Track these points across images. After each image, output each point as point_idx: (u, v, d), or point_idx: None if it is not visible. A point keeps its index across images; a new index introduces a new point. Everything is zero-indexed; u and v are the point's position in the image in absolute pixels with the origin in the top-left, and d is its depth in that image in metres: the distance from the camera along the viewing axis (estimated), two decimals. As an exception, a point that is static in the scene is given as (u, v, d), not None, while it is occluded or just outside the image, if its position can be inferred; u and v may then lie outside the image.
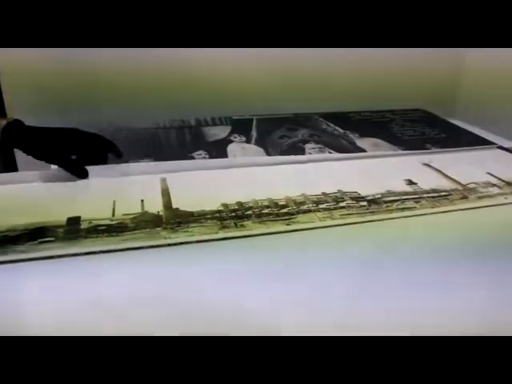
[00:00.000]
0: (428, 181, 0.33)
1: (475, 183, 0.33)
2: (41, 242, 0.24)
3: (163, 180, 0.33)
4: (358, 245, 0.25)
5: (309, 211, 0.28)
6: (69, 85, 0.46)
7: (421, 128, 0.46)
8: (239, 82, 0.51)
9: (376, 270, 0.23)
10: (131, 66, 0.47)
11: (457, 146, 0.41)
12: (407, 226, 0.27)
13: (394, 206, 0.29)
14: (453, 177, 0.34)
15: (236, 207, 0.29)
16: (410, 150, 0.40)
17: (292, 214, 0.28)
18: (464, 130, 0.46)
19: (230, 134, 0.44)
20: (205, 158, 0.38)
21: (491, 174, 0.34)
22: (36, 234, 0.25)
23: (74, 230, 0.26)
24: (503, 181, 0.33)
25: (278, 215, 0.28)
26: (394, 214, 0.28)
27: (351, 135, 0.44)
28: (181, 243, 0.24)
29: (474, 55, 0.52)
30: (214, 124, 0.47)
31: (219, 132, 0.44)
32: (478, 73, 0.52)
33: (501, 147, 0.41)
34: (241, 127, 0.46)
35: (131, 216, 0.27)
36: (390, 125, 0.47)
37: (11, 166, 0.46)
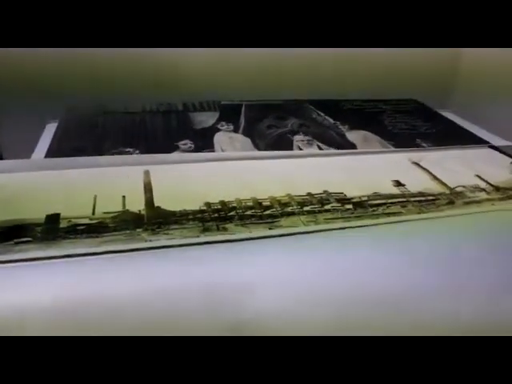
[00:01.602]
0: (416, 182, 0.33)
1: (463, 186, 0.33)
2: (17, 243, 0.24)
3: (146, 173, 0.32)
4: (340, 253, 0.25)
5: (293, 214, 0.28)
6: (54, 67, 0.44)
7: (413, 121, 0.46)
8: (230, 64, 0.49)
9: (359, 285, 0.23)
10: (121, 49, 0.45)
11: (447, 142, 0.40)
12: (392, 232, 0.27)
13: (380, 210, 0.29)
14: (441, 178, 0.34)
15: (219, 207, 0.28)
16: (400, 144, 0.40)
17: (275, 217, 0.27)
18: (456, 125, 0.46)
19: (218, 121, 0.43)
20: (190, 147, 0.37)
21: (480, 177, 0.34)
22: (12, 233, 0.24)
23: (52, 229, 0.25)
24: (491, 185, 0.33)
25: (261, 217, 0.27)
26: (379, 220, 0.28)
27: (341, 126, 0.43)
28: (161, 247, 0.24)
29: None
30: (202, 109, 0.45)
31: (206, 119, 0.43)
32: (475, 65, 0.51)
33: (492, 146, 0.40)
34: (229, 113, 0.44)
35: (112, 215, 0.27)
36: (381, 116, 0.46)
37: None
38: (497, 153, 0.39)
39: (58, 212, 0.26)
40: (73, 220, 0.26)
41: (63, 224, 0.25)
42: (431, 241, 0.26)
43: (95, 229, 0.25)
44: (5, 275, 0.22)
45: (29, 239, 0.24)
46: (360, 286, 0.23)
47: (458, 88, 0.54)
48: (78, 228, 0.25)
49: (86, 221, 0.26)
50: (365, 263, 0.24)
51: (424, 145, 0.40)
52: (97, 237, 0.25)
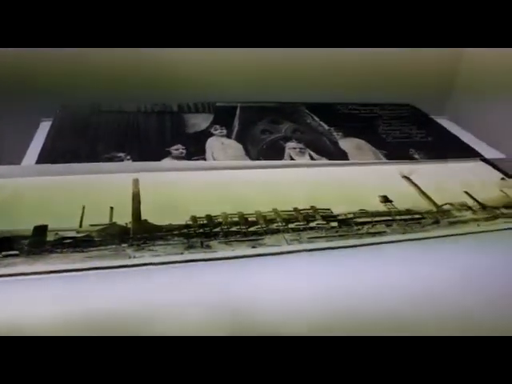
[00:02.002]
0: (404, 199, 0.33)
1: (451, 204, 0.33)
2: (5, 256, 0.24)
3: (135, 182, 0.32)
4: (320, 275, 0.25)
5: (277, 231, 0.28)
6: (50, 64, 0.44)
7: (407, 128, 0.45)
8: (228, 64, 0.49)
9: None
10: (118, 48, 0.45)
11: (440, 154, 0.40)
12: (374, 254, 0.28)
13: (365, 229, 0.29)
14: (430, 194, 0.34)
15: (205, 221, 0.29)
16: (392, 154, 0.40)
17: (260, 234, 0.28)
18: (451, 134, 0.45)
19: (212, 124, 0.43)
20: (182, 153, 0.37)
21: (468, 194, 0.34)
22: (0, 246, 0.25)
23: (39, 242, 0.25)
24: (479, 203, 0.33)
25: (245, 234, 0.28)
26: (362, 240, 0.28)
27: (335, 133, 0.43)
28: (145, 264, 0.25)
29: (473, 50, 0.50)
30: (197, 111, 0.45)
31: (200, 121, 0.43)
32: (474, 70, 0.51)
33: (484, 160, 0.40)
34: (223, 116, 0.44)
35: (98, 228, 0.27)
36: (376, 122, 0.46)
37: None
38: (488, 167, 0.39)
39: (45, 224, 0.27)
40: (60, 233, 0.26)
41: (50, 237, 0.26)
42: (411, 263, 0.27)
43: (81, 243, 0.26)
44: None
45: (16, 253, 0.25)
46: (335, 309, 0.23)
47: (456, 93, 0.54)
48: (65, 242, 0.26)
49: (73, 234, 0.26)
50: (344, 287, 0.25)
51: (416, 156, 0.40)
52: (82, 251, 0.25)
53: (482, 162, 0.40)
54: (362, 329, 0.23)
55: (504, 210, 0.33)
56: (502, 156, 0.43)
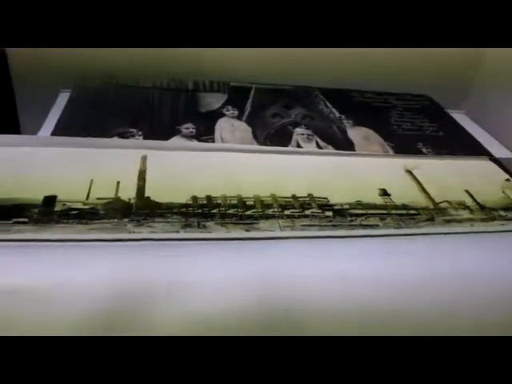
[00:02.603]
0: (403, 193, 0.33)
1: (448, 202, 0.33)
2: (14, 223, 0.26)
3: (143, 159, 0.33)
4: (307, 263, 0.26)
5: (272, 216, 0.29)
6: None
7: (420, 121, 0.45)
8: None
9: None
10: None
11: (449, 150, 0.40)
12: (363, 247, 0.28)
13: (358, 221, 0.30)
14: (429, 191, 0.34)
15: (205, 202, 0.30)
16: (400, 147, 0.40)
17: (255, 219, 0.29)
18: (463, 130, 0.45)
19: (224, 104, 0.43)
20: (192, 132, 0.39)
21: (469, 193, 0.34)
22: (12, 213, 0.27)
23: (47, 211, 0.27)
24: (478, 203, 0.33)
25: (241, 218, 0.29)
26: (354, 232, 0.29)
27: (345, 121, 0.43)
28: (142, 239, 0.26)
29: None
30: (212, 89, 0.46)
31: (214, 101, 0.44)
32: (497, 66, 0.49)
33: (492, 159, 0.40)
34: (237, 97, 0.45)
35: (103, 201, 0.29)
36: (389, 113, 0.46)
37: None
38: (496, 166, 0.39)
39: (54, 194, 0.29)
40: (67, 204, 0.28)
41: (58, 207, 0.28)
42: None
43: (86, 215, 0.27)
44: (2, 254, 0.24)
45: (25, 220, 0.27)
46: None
47: (477, 88, 0.52)
48: (71, 213, 0.27)
49: (80, 205, 0.28)
50: (329, 274, 0.26)
51: (424, 150, 0.40)
52: (86, 223, 0.27)
53: (490, 162, 0.40)
54: (335, 320, 0.24)
55: (502, 212, 0.33)
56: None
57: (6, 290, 0.22)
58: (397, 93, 0.50)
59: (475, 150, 0.41)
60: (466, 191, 0.35)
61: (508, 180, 0.37)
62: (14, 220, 0.26)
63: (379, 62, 0.50)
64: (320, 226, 0.29)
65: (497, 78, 0.50)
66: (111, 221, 0.27)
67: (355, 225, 0.30)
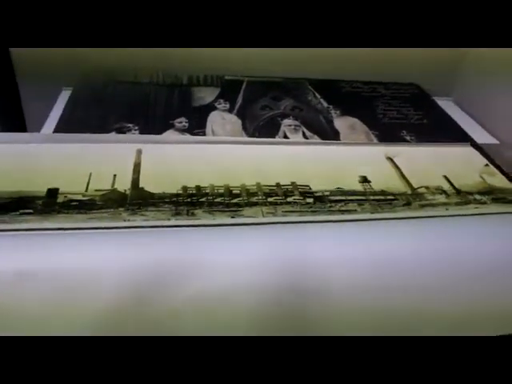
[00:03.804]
0: (382, 180, 0.35)
1: (426, 187, 0.35)
2: (21, 214, 0.29)
3: (138, 152, 0.36)
4: (286, 247, 0.29)
5: (256, 204, 0.32)
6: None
7: (406, 109, 0.47)
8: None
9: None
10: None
11: (432, 137, 0.42)
12: (341, 229, 0.31)
13: (337, 207, 0.32)
14: (408, 177, 0.36)
15: (194, 192, 0.32)
16: (384, 135, 0.42)
17: (240, 206, 0.31)
18: (448, 117, 0.46)
19: (217, 98, 0.45)
20: (184, 126, 0.41)
21: (447, 178, 0.36)
22: (19, 204, 0.30)
23: (50, 203, 0.30)
24: (455, 188, 0.35)
25: (227, 205, 0.31)
26: (332, 217, 0.31)
27: (333, 111, 0.45)
28: (136, 227, 0.29)
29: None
30: (206, 84, 0.48)
31: (206, 95, 0.46)
32: (484, 53, 0.50)
33: (474, 145, 0.41)
34: (230, 90, 0.47)
35: (101, 193, 0.31)
36: (376, 102, 0.47)
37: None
38: (476, 152, 0.41)
39: (57, 187, 0.31)
40: (68, 196, 0.31)
41: (60, 199, 0.30)
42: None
43: (85, 205, 0.30)
44: (9, 241, 0.27)
45: (30, 211, 0.29)
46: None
47: (464, 74, 0.54)
48: (72, 204, 0.30)
49: (79, 197, 0.31)
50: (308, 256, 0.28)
51: (408, 138, 0.42)
52: (85, 213, 0.30)
53: (471, 148, 0.41)
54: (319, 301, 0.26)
55: (477, 196, 0.35)
56: (496, 142, 0.44)
57: (14, 273, 0.25)
58: (384, 82, 0.51)
59: (458, 136, 0.43)
60: (445, 177, 0.36)
61: (487, 165, 0.39)
62: (21, 211, 0.29)
63: (369, 53, 0.52)
64: (300, 211, 0.31)
65: (484, 64, 0.51)
66: (108, 210, 0.30)
67: (334, 210, 0.32)
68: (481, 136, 0.44)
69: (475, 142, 0.42)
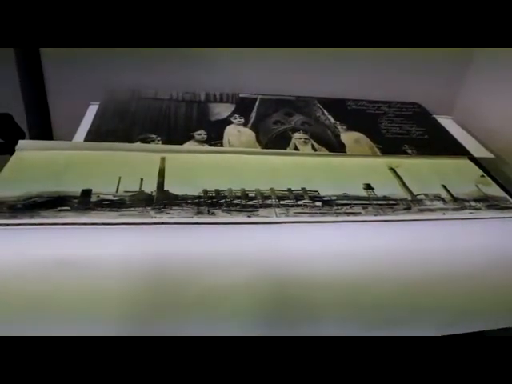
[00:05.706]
0: (385, 188, 0.38)
1: (425, 195, 0.38)
2: (60, 210, 0.32)
3: (162, 159, 0.39)
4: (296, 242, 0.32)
5: (270, 206, 0.35)
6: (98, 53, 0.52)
7: (409, 126, 0.50)
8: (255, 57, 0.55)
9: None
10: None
11: (432, 151, 0.45)
12: (347, 229, 0.34)
13: (343, 209, 0.35)
14: (409, 186, 0.39)
15: (214, 194, 0.35)
16: (387, 148, 0.45)
17: (255, 207, 0.34)
18: (448, 133, 0.50)
19: (232, 113, 0.49)
20: (203, 137, 0.44)
21: (445, 187, 0.39)
22: (57, 202, 0.33)
23: (85, 201, 0.33)
24: (452, 196, 0.38)
25: (244, 206, 0.34)
26: (338, 218, 0.34)
27: (339, 127, 0.48)
28: (162, 223, 0.32)
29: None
30: (221, 101, 0.52)
31: (222, 111, 0.50)
32: (484, 74, 0.54)
33: (471, 158, 0.44)
34: (244, 106, 0.51)
35: (130, 194, 0.35)
36: (380, 119, 0.51)
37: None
38: (473, 165, 0.44)
39: (90, 188, 0.35)
40: (101, 196, 0.34)
41: (93, 198, 0.34)
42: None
43: (116, 204, 0.33)
44: (50, 233, 0.30)
45: (68, 208, 0.33)
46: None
47: (466, 94, 0.57)
48: (104, 203, 0.33)
49: (110, 197, 0.34)
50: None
51: (409, 151, 0.45)
52: (116, 210, 0.33)
53: (468, 161, 0.45)
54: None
55: (472, 203, 0.38)
56: (491, 156, 0.47)
57: (54, 260, 0.28)
58: (389, 101, 0.55)
59: (457, 150, 0.46)
60: (443, 186, 0.39)
61: (483, 176, 0.42)
62: (59, 208, 0.32)
63: (376, 74, 0.56)
64: (310, 213, 0.34)
65: (484, 84, 0.55)
66: (137, 209, 0.33)
67: (340, 212, 0.35)
68: (478, 150, 0.47)
69: (472, 155, 0.45)
